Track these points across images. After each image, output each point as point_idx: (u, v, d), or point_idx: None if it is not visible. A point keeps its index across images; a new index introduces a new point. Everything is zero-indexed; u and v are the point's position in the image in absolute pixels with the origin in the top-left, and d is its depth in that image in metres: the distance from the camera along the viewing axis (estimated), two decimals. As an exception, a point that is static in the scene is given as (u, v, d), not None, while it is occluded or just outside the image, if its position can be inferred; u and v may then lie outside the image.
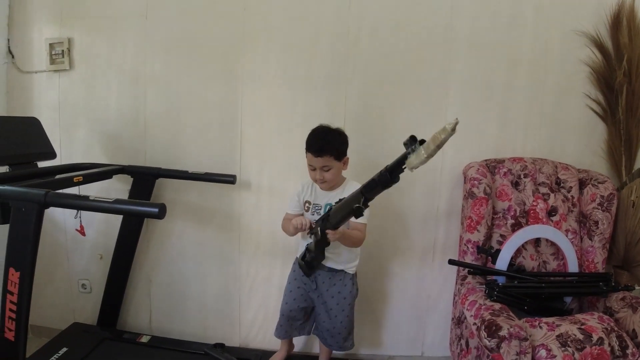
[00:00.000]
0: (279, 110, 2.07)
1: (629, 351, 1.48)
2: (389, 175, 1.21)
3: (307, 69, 2.02)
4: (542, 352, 1.46)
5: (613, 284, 1.70)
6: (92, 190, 1.97)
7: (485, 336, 1.46)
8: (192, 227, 2.16)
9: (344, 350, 1.87)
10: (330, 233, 1.53)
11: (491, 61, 1.97)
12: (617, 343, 1.48)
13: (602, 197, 1.82)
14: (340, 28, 1.99)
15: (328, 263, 1.76)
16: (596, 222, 1.82)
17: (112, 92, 2.12)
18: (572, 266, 1.82)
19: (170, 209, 2.05)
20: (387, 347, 2.18)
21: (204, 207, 2.15)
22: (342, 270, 1.78)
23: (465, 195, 1.97)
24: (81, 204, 1.39)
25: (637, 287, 1.68)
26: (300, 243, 1.82)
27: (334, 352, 1.92)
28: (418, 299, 2.15)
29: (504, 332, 1.42)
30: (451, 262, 1.82)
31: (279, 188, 2.09)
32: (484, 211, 1.83)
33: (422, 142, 1.09)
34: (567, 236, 1.84)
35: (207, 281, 2.19)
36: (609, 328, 1.52)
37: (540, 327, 1.54)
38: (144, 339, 2.05)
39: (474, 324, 1.56)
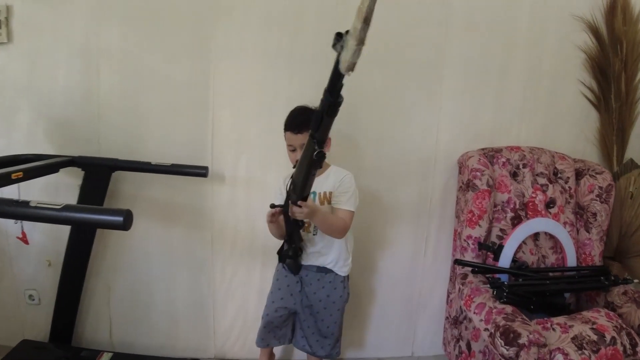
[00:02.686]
0: (258, 91, 1.82)
1: (638, 349, 1.44)
2: (330, 95, 1.00)
3: (290, 46, 1.79)
4: (560, 357, 1.38)
5: (612, 277, 1.67)
6: (35, 187, 1.67)
7: (502, 344, 1.35)
8: (157, 227, 1.88)
9: (329, 359, 1.71)
10: (298, 206, 1.32)
11: (487, 43, 1.85)
12: (628, 341, 1.44)
13: (600, 188, 1.77)
14: (328, 1, 1.76)
15: (316, 260, 1.59)
16: (594, 214, 1.78)
17: (59, 70, 1.75)
18: (571, 260, 1.77)
19: (131, 206, 1.80)
20: (375, 349, 2.06)
21: (171, 203, 1.87)
22: (332, 272, 1.61)
23: (461, 187, 1.86)
24: (18, 212, 1.04)
25: (635, 281, 1.66)
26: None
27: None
28: (408, 297, 2.04)
29: (523, 340, 1.32)
30: (458, 262, 1.70)
31: (258, 180, 1.86)
32: (487, 205, 1.73)
33: (339, 35, 0.88)
34: (565, 228, 1.80)
35: (176, 287, 1.93)
36: (619, 326, 1.48)
37: (554, 329, 1.47)
38: (105, 358, 1.77)
39: (486, 329, 1.46)
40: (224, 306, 1.95)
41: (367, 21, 0.79)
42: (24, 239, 1.64)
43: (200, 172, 1.76)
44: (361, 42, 0.82)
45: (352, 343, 2.03)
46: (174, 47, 1.77)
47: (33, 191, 1.72)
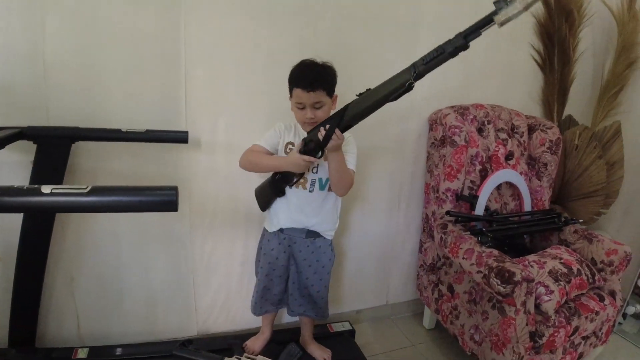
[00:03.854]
0: (236, 46, 1.64)
1: (596, 277, 1.74)
2: (464, 39, 1.10)
3: (272, -5, 1.64)
4: (541, 289, 1.61)
5: (564, 218, 1.95)
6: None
7: (499, 283, 1.52)
8: (125, 203, 1.64)
9: (321, 320, 1.75)
10: (337, 135, 1.29)
11: (459, 4, 1.90)
12: (588, 271, 1.73)
13: (550, 141, 2.02)
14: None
15: (306, 222, 1.55)
16: (545, 164, 2.03)
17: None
18: (527, 206, 2.02)
19: (92, 182, 1.56)
20: (353, 302, 2.14)
21: (140, 174, 1.64)
22: (320, 236, 1.59)
23: (434, 143, 1.96)
24: (30, 202, 0.80)
25: (580, 220, 1.97)
26: (277, 205, 1.57)
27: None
28: (383, 251, 2.12)
29: (517, 277, 1.49)
30: (450, 213, 1.82)
31: (239, 144, 1.64)
32: (464, 159, 1.86)
33: None
34: (522, 177, 2.03)
35: (151, 268, 1.74)
36: (579, 260, 1.76)
37: (532, 266, 1.69)
38: (82, 354, 1.54)
39: (479, 271, 1.61)
40: (206, 281, 1.82)
41: None
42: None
43: (179, 137, 1.55)
44: (527, 8, 0.89)
45: (331, 299, 2.06)
46: (138, -9, 1.49)
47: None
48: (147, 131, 1.52)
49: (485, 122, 1.98)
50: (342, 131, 1.32)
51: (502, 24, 0.98)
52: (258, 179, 1.74)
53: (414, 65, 1.15)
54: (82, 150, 1.54)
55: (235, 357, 1.38)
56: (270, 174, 1.54)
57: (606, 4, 2.16)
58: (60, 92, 1.48)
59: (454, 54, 1.11)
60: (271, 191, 1.54)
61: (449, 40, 1.10)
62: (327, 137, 1.30)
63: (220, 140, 1.71)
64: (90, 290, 1.68)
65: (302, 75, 1.41)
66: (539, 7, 2.05)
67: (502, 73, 2.09)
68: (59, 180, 1.45)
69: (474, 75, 2.05)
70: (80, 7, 1.44)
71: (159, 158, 1.65)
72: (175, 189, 0.82)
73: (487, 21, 1.04)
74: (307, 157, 1.36)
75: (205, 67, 1.63)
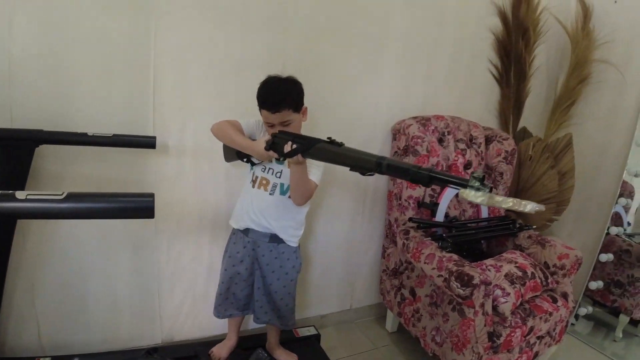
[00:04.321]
0: (206, 53, 1.66)
1: (549, 280, 1.85)
2: (427, 180, 1.07)
3: (244, 3, 1.66)
4: (498, 292, 1.69)
5: (518, 225, 2.06)
6: None
7: (459, 286, 1.60)
8: (89, 208, 1.61)
9: (285, 329, 1.77)
10: (299, 157, 1.35)
11: (423, 19, 2.00)
12: (542, 275, 1.83)
13: (506, 152, 2.13)
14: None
15: (267, 226, 1.58)
16: (501, 173, 2.14)
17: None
18: (484, 212, 2.12)
19: (56, 186, 1.54)
20: (318, 307, 2.17)
21: (105, 179, 1.62)
22: (283, 242, 1.62)
23: (397, 152, 2.03)
24: (5, 208, 0.79)
25: (534, 226, 2.08)
26: (241, 203, 1.62)
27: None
28: (348, 256, 2.17)
29: (476, 281, 1.57)
30: (412, 220, 1.88)
31: (207, 148, 1.71)
32: (426, 169, 1.93)
33: (483, 178, 1.00)
34: (479, 186, 2.12)
35: (115, 274, 1.71)
36: (533, 263, 1.86)
37: (489, 270, 1.77)
38: (44, 363, 1.51)
39: (440, 275, 1.68)
40: (171, 287, 1.81)
41: (492, 204, 0.95)
42: None
43: (147, 142, 1.55)
44: (485, 204, 0.97)
45: (296, 305, 2.08)
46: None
47: None
48: (114, 135, 1.51)
49: (446, 133, 2.07)
50: (304, 157, 1.35)
51: (462, 198, 1.03)
52: (225, 183, 1.77)
53: (381, 160, 1.14)
54: (46, 154, 1.51)
55: (202, 364, 1.39)
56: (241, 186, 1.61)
57: (561, 22, 2.31)
58: (25, 92, 1.45)
59: (413, 180, 1.10)
60: (235, 152, 1.59)
61: (419, 168, 1.08)
62: (289, 155, 1.36)
63: (188, 145, 1.71)
64: (52, 298, 1.64)
65: (265, 97, 1.45)
66: (497, 25, 2.17)
67: (462, 86, 2.20)
68: (21, 185, 1.42)
69: (436, 88, 2.15)
70: (49, 6, 1.42)
71: (126, 162, 1.64)
72: (152, 195, 0.82)
73: (455, 183, 1.04)
74: (271, 153, 1.41)
75: (174, 72, 1.63)
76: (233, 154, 1.60)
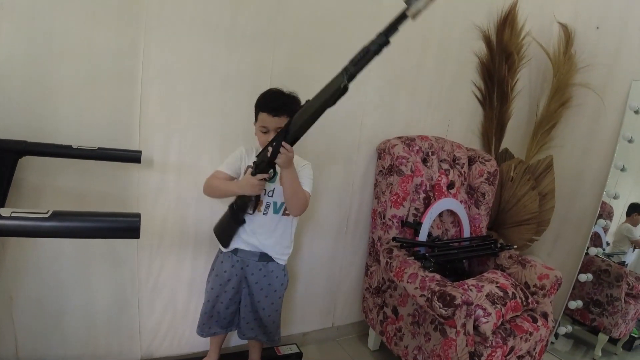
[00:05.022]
0: (194, 67, 1.66)
1: (529, 300, 1.87)
2: (385, 37, 1.15)
3: (232, 20, 1.67)
4: (480, 312, 1.70)
5: (499, 245, 2.09)
6: None
7: (441, 306, 1.60)
8: (69, 221, 1.59)
9: (272, 344, 1.76)
10: (285, 147, 1.34)
11: (407, 42, 2.03)
12: (522, 295, 1.85)
13: (489, 172, 2.17)
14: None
15: (258, 246, 1.58)
16: (483, 194, 2.17)
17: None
18: (466, 232, 2.14)
19: (37, 197, 1.52)
20: (301, 325, 2.15)
21: (87, 192, 1.60)
22: (273, 261, 1.62)
23: (381, 171, 2.05)
24: None
25: (514, 247, 2.10)
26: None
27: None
28: (331, 274, 2.17)
29: (458, 301, 1.58)
30: (396, 239, 1.89)
31: (191, 164, 1.72)
32: (409, 188, 1.95)
33: None
34: (462, 206, 2.15)
35: (94, 288, 1.68)
36: (514, 283, 1.88)
37: (471, 290, 1.78)
38: (15, 380, 1.47)
39: (422, 295, 1.69)
40: (151, 302, 1.78)
41: None
42: None
43: (132, 156, 1.54)
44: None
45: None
46: (96, 7, 1.47)
47: None
48: (99, 149, 1.49)
49: (430, 153, 2.10)
50: (291, 144, 1.36)
51: (414, 16, 1.08)
52: (207, 200, 1.76)
53: (345, 69, 1.22)
54: (29, 166, 1.48)
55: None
56: (226, 208, 1.58)
57: (543, 47, 2.38)
58: (8, 102, 1.43)
59: (378, 51, 1.17)
60: (232, 222, 1.57)
61: (373, 40, 1.16)
62: (275, 151, 1.36)
63: (173, 160, 1.70)
64: (30, 311, 1.59)
65: (268, 100, 1.51)
66: (482, 49, 2.23)
67: (445, 107, 2.24)
68: (3, 196, 1.39)
69: (420, 108, 2.18)
70: (36, 16, 1.41)
71: (109, 176, 1.62)
72: (138, 215, 0.82)
73: (401, 17, 1.12)
74: (259, 175, 1.42)
75: (161, 86, 1.63)
76: (231, 230, 1.58)
